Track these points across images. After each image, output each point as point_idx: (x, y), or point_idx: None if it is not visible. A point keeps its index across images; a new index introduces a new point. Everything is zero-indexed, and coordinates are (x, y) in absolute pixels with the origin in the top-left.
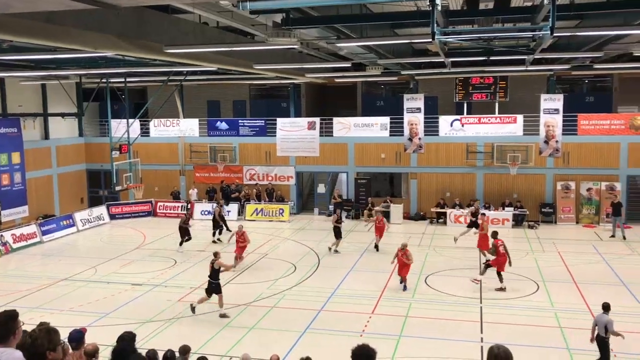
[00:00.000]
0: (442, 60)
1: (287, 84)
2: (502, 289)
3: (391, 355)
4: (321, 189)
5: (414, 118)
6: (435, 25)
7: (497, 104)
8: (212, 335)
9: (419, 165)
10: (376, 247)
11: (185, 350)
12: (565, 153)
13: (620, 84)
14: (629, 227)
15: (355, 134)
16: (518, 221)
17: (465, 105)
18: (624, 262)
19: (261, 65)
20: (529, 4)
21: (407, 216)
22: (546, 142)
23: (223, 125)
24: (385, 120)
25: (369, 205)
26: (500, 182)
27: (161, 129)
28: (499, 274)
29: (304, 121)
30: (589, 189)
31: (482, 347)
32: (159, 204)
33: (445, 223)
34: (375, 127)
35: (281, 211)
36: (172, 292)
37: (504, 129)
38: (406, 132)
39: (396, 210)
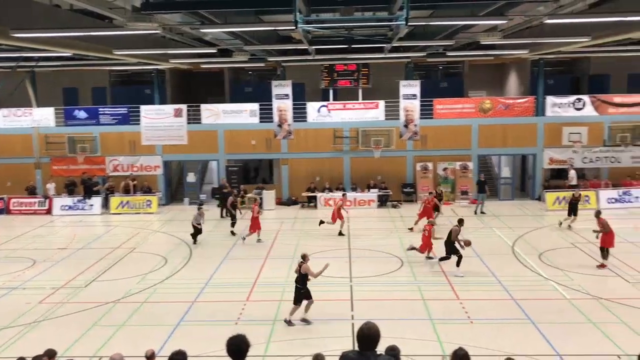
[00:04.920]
0: (307, 47)
1: (150, 69)
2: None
3: (267, 340)
4: (191, 178)
5: (282, 104)
6: (298, 13)
7: (360, 90)
8: (79, 336)
9: (289, 151)
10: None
11: (51, 354)
12: (423, 136)
13: (469, 70)
14: (480, 203)
15: (224, 121)
16: (382, 201)
17: (331, 91)
18: (478, 235)
19: (121, 51)
20: None
21: (280, 201)
22: (406, 126)
23: (82, 114)
24: (255, 106)
25: (241, 192)
26: (366, 165)
27: (12, 119)
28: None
29: (170, 108)
30: (445, 169)
31: (352, 323)
32: (12, 200)
33: (316, 207)
34: (245, 113)
35: (149, 203)
36: (32, 295)
37: (367, 114)
38: (275, 118)
39: (268, 196)
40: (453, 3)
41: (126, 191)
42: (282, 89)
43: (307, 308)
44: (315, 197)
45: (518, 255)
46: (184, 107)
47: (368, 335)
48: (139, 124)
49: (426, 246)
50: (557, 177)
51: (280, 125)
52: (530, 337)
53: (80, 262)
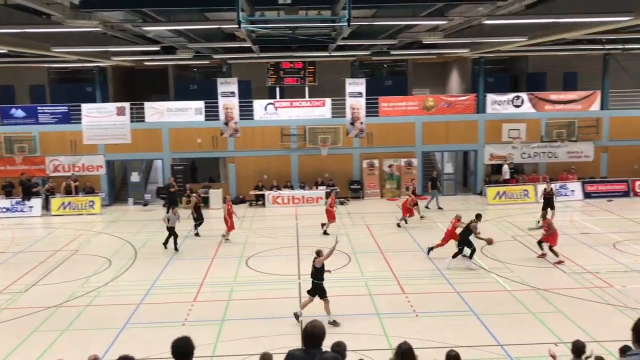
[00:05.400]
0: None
1: (91, 67)
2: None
3: (215, 340)
4: (135, 177)
5: (228, 102)
6: (241, 12)
7: (307, 88)
8: (19, 343)
9: (236, 150)
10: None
11: None
12: (369, 133)
13: (413, 68)
14: (425, 198)
15: (169, 119)
16: None
17: (277, 89)
18: (421, 229)
19: (60, 48)
20: None
21: None
22: (352, 123)
23: (19, 113)
24: (200, 104)
25: (187, 191)
26: (313, 162)
27: None
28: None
29: (112, 106)
30: (390, 166)
31: (301, 321)
32: None
33: (264, 205)
34: (190, 111)
35: (91, 203)
36: None
37: (314, 112)
38: (222, 116)
39: (215, 195)
40: (395, 4)
41: (67, 192)
42: (228, 86)
43: (327, 309)
44: (263, 196)
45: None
46: (127, 105)
47: (312, 334)
48: (80, 122)
49: (448, 239)
50: (497, 172)
51: (226, 123)
52: (473, 328)
53: (19, 266)
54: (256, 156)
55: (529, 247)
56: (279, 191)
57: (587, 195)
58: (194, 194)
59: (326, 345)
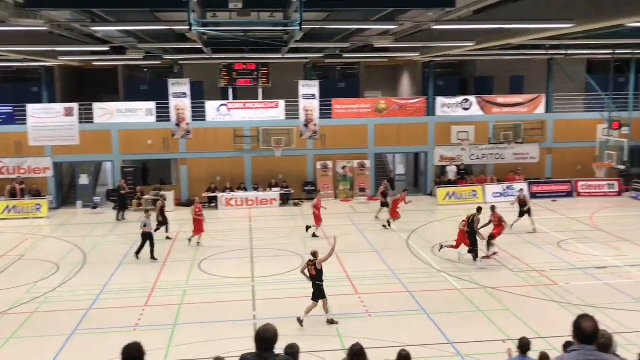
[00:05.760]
0: (203, 47)
1: (37, 66)
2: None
3: (167, 345)
4: (84, 180)
5: (180, 103)
6: (193, 14)
7: (260, 90)
8: None
9: (188, 151)
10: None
11: None
12: (323, 135)
13: (365, 71)
14: (377, 199)
15: (119, 120)
16: (284, 200)
17: (230, 90)
18: (374, 231)
19: (3, 47)
20: None
21: (179, 202)
22: (306, 125)
23: None
24: (151, 105)
25: (138, 194)
26: (267, 164)
27: None
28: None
29: (59, 107)
30: (344, 167)
31: (254, 324)
32: None
33: (217, 207)
34: (141, 112)
35: (38, 207)
36: None
37: (267, 113)
38: (173, 117)
39: (167, 197)
40: (347, 8)
41: (12, 195)
42: (179, 87)
43: (325, 308)
44: (216, 198)
45: (412, 249)
46: (75, 105)
47: (265, 337)
48: (25, 123)
49: (461, 241)
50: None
51: (178, 125)
52: (425, 327)
53: None
54: (209, 158)
55: (479, 246)
56: (232, 193)
57: (533, 195)
58: (160, 197)
59: (280, 347)
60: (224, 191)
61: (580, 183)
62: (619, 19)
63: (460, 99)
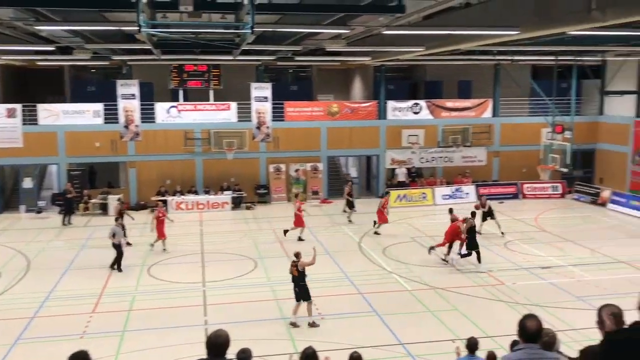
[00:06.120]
0: (152, 48)
1: None
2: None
3: (115, 352)
4: (27, 183)
5: (129, 105)
6: (142, 14)
7: (211, 92)
8: None
9: (137, 153)
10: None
11: None
12: (275, 138)
13: (318, 74)
14: (330, 202)
15: (65, 122)
16: (236, 203)
17: (181, 92)
18: (327, 233)
19: None
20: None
21: (128, 206)
22: (258, 128)
23: None
24: (99, 106)
25: (85, 198)
26: (219, 167)
27: None
28: None
29: (1, 108)
30: (296, 170)
31: (206, 329)
32: None
33: (167, 211)
34: (88, 114)
35: None
36: None
37: (219, 115)
38: (122, 119)
39: (114, 201)
40: (299, 12)
41: None
42: (128, 88)
43: (309, 311)
44: (166, 201)
45: (364, 251)
46: (18, 106)
47: (216, 343)
48: None
49: (450, 239)
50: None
51: (126, 127)
52: (376, 328)
53: None
54: (158, 160)
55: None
56: (183, 196)
57: (481, 197)
58: (119, 202)
59: (232, 352)
60: (174, 194)
61: (526, 185)
62: (562, 27)
63: (410, 103)
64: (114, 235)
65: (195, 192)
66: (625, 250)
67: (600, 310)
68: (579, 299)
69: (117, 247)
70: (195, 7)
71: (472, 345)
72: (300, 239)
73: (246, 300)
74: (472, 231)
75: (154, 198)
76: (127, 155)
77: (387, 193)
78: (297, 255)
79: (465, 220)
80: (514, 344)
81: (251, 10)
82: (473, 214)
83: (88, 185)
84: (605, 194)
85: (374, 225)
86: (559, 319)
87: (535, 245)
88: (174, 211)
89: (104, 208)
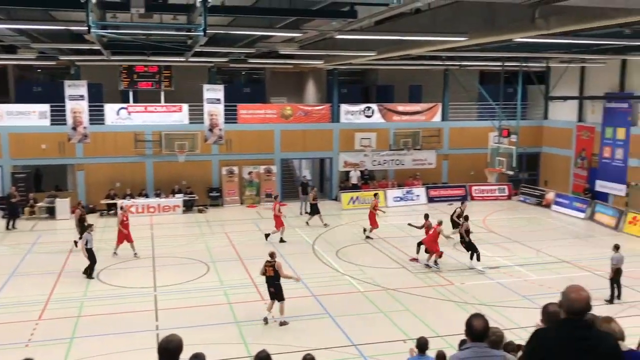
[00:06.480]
0: (101, 49)
1: None
2: None
3: None
4: None
5: (77, 106)
6: (91, 13)
7: (163, 93)
8: None
9: (85, 156)
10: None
11: None
12: (228, 140)
13: (271, 77)
14: (284, 205)
15: (9, 123)
16: (188, 206)
17: (131, 93)
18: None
19: None
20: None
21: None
22: (210, 130)
23: None
24: (45, 107)
25: (31, 201)
26: (170, 169)
27: None
28: None
29: None
30: (250, 173)
31: (157, 334)
32: None
33: (116, 214)
34: (34, 115)
35: None
36: None
37: (170, 117)
38: (69, 120)
39: (62, 204)
40: (252, 15)
41: None
42: (76, 89)
43: (282, 310)
44: (115, 205)
45: (318, 253)
46: None
47: (167, 348)
48: None
49: (434, 246)
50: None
51: (75, 128)
52: (329, 330)
53: None
54: (108, 163)
55: (380, 249)
56: (133, 200)
57: (431, 199)
58: (79, 207)
59: (184, 358)
60: (124, 198)
61: (474, 187)
62: (508, 34)
63: (363, 106)
64: (87, 242)
65: (146, 195)
66: (568, 251)
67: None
68: (524, 297)
69: (90, 254)
70: (147, 9)
71: (422, 345)
72: (282, 240)
73: (199, 304)
74: (467, 234)
75: (103, 201)
76: (75, 157)
77: (377, 195)
78: (272, 255)
79: (440, 223)
80: (462, 343)
81: (204, 12)
82: (466, 218)
83: (34, 189)
84: (550, 196)
85: (363, 232)
86: (506, 318)
87: (483, 246)
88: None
89: (50, 212)
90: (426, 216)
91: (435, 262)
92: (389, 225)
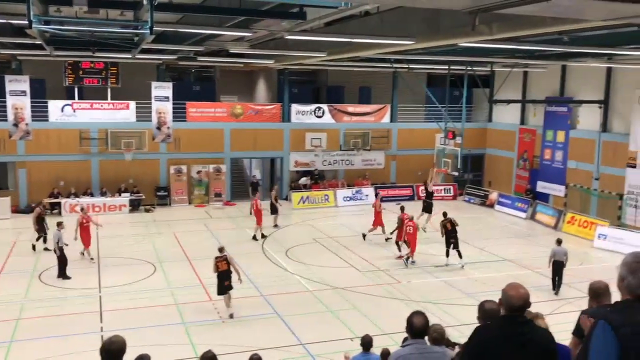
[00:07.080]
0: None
1: None
2: None
3: None
4: None
5: (18, 102)
6: (32, 7)
7: (109, 90)
8: None
9: (27, 153)
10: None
11: None
12: (177, 139)
13: (221, 75)
14: (233, 204)
15: None
16: (135, 206)
17: (76, 89)
18: (229, 237)
19: None
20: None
21: (16, 209)
22: (158, 128)
23: None
24: None
25: None
26: (116, 168)
27: None
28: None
29: None
30: (199, 172)
31: (102, 336)
32: None
33: (60, 213)
34: None
35: None
36: None
37: (117, 115)
38: (10, 117)
39: (2, 203)
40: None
41: None
42: (18, 84)
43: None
44: (59, 204)
45: (267, 253)
46: None
47: (110, 350)
48: None
49: (414, 244)
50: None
51: (16, 125)
52: (277, 329)
53: None
54: (51, 161)
55: (329, 248)
56: (78, 199)
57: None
58: (40, 205)
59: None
60: (68, 197)
61: (421, 187)
62: (452, 39)
63: (313, 106)
64: (59, 241)
65: (91, 194)
66: (510, 249)
67: (481, 305)
68: (468, 295)
69: (61, 253)
70: (89, 4)
71: (366, 343)
72: (263, 236)
73: (145, 305)
74: (453, 230)
75: (46, 200)
76: (16, 155)
77: (378, 193)
78: (222, 249)
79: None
80: (404, 340)
81: (150, 10)
82: (444, 214)
83: None
84: (493, 196)
85: (363, 237)
86: (450, 315)
87: (430, 245)
88: (68, 214)
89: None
90: (402, 208)
91: (408, 259)
92: (338, 225)
